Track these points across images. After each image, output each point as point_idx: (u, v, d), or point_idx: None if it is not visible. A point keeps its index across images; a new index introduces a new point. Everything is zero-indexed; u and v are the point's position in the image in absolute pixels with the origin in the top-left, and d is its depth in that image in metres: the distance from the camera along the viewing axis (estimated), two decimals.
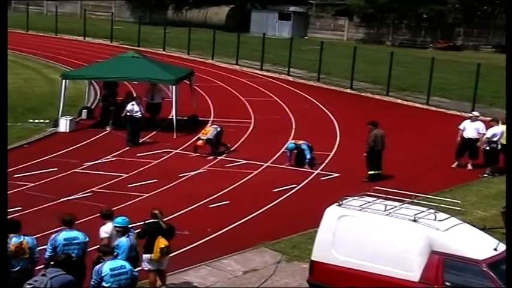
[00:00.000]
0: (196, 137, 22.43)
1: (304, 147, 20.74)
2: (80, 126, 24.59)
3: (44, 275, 10.02)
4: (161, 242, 12.04)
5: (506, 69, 27.13)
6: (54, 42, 46.53)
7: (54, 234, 11.49)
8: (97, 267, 10.58)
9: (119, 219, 11.85)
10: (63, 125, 23.85)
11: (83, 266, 11.38)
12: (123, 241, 11.59)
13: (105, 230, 11.94)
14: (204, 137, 21.73)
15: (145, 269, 12.22)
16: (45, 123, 24.32)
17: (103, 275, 10.39)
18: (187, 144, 22.71)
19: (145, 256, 12.17)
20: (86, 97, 27.78)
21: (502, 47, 51.61)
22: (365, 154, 19.74)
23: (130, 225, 11.98)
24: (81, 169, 19.73)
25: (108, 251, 10.91)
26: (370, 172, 19.56)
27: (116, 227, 11.80)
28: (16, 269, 10.87)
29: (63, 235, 11.36)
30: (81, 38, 48.03)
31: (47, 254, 11.27)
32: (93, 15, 57.50)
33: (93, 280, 10.47)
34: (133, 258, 11.63)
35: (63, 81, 24.57)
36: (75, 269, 10.73)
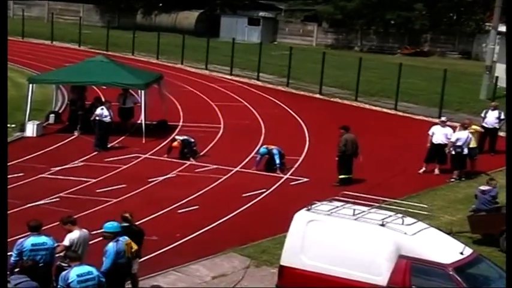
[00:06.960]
0: (170, 138, 22.45)
1: (275, 151, 20.78)
2: (48, 130, 24.35)
3: (8, 281, 9.88)
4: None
5: (507, 69, 27.61)
6: (21, 46, 45.92)
7: (21, 240, 11.32)
8: (63, 273, 10.46)
9: (108, 224, 11.64)
10: (30, 130, 23.60)
11: (50, 272, 11.24)
12: (110, 246, 11.45)
13: (70, 237, 11.69)
14: (180, 137, 21.80)
15: None
16: (12, 128, 23.97)
17: (70, 281, 10.26)
18: (157, 149, 22.62)
19: None
20: (54, 101, 27.53)
21: (468, 53, 52.36)
22: (336, 158, 19.85)
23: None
24: (48, 174, 19.53)
25: (75, 256, 10.80)
26: (340, 176, 19.65)
27: (104, 232, 11.64)
28: None
29: (31, 240, 11.20)
30: (48, 42, 47.58)
31: (12, 259, 11.08)
32: (60, 19, 56.95)
33: (59, 286, 10.35)
34: (124, 264, 11.49)
35: (30, 85, 24.34)
36: (42, 276, 10.59)
